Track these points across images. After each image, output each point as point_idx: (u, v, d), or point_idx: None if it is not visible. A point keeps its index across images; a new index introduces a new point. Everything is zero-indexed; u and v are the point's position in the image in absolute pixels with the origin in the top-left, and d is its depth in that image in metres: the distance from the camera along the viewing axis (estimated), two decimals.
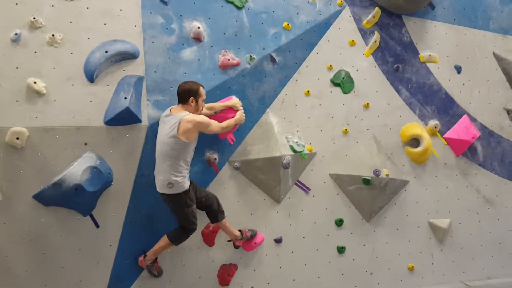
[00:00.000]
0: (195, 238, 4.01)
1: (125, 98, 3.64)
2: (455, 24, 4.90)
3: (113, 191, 3.77)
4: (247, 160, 4.16)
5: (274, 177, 4.18)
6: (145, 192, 3.84)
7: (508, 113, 5.16)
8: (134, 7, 3.85)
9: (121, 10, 3.82)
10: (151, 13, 3.88)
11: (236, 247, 4.13)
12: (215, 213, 3.84)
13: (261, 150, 4.19)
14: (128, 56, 3.80)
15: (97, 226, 3.77)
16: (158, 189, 3.59)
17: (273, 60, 4.24)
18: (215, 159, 4.06)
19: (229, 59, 4.07)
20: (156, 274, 3.89)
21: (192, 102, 3.52)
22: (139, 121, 3.75)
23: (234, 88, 4.12)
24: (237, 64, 4.11)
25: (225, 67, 4.08)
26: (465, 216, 4.90)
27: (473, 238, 4.93)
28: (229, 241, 4.11)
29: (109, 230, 3.81)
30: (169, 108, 3.63)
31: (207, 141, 4.01)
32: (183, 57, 3.97)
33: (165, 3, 3.92)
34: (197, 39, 4.00)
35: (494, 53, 5.09)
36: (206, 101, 3.93)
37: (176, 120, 3.43)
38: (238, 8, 4.14)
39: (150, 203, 3.88)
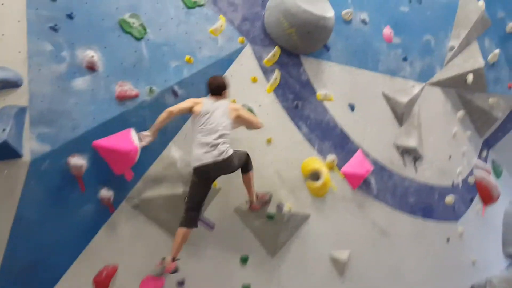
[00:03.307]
0: None
1: (3, 130, 3.22)
2: (348, 65, 5.25)
3: None
4: (147, 197, 3.91)
5: (177, 215, 3.97)
6: (26, 238, 3.37)
7: (398, 149, 5.60)
8: (19, 32, 3.49)
9: (3, 35, 3.45)
10: (38, 39, 3.56)
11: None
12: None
13: (163, 186, 3.99)
14: (9, 85, 3.39)
15: None
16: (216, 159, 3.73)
17: (174, 93, 4.12)
18: (110, 197, 3.75)
19: (126, 90, 3.86)
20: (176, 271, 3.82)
21: (226, 94, 4.03)
22: (19, 156, 3.33)
23: (133, 120, 3.88)
24: (136, 96, 3.91)
25: (122, 98, 3.85)
26: (363, 247, 5.10)
27: (372, 269, 5.13)
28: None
29: None
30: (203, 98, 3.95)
31: (101, 177, 3.71)
32: (74, 86, 3.66)
33: (55, 30, 3.63)
34: (91, 68, 3.74)
35: (383, 93, 5.54)
36: (101, 135, 3.67)
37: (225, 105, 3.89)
38: (137, 39, 3.99)
39: (31, 251, 3.41)
